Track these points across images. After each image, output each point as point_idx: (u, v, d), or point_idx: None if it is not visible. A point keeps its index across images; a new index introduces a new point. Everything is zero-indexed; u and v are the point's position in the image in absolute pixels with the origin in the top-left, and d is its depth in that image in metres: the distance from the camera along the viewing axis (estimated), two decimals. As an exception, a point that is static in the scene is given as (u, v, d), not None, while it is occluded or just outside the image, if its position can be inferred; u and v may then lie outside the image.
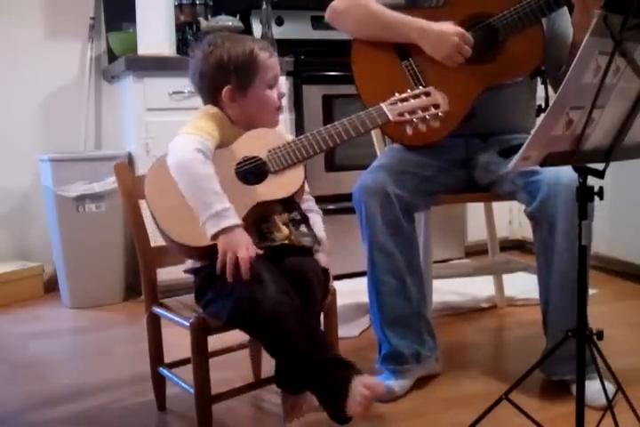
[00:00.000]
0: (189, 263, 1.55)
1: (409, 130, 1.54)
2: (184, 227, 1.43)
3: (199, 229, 1.40)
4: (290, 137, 1.62)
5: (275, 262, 1.44)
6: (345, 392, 1.33)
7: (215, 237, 1.38)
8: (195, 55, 1.57)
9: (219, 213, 1.37)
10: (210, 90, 1.56)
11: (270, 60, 1.55)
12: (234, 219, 1.39)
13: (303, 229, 1.52)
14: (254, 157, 1.50)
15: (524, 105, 1.96)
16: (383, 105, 1.54)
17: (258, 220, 1.48)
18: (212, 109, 1.54)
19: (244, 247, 1.37)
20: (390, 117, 1.53)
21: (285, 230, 1.51)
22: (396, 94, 1.55)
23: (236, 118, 1.56)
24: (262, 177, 1.49)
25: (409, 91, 1.56)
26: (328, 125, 1.52)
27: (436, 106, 1.54)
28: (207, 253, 1.43)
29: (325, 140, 1.51)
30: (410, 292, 1.81)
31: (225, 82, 1.53)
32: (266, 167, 1.49)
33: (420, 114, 1.53)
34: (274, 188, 1.49)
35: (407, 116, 1.53)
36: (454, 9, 1.82)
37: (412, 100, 1.54)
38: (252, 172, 1.49)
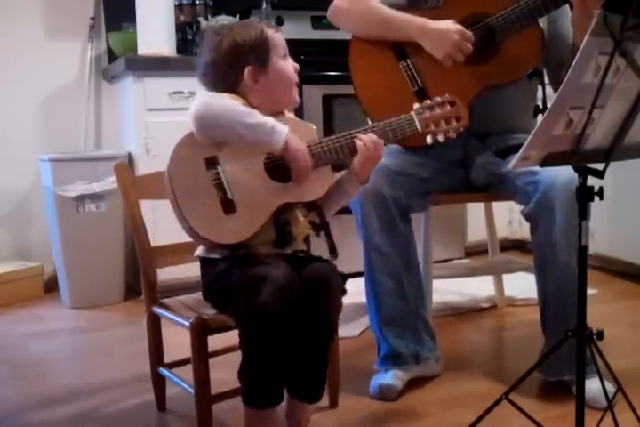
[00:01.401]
0: (202, 251, 1.50)
1: (429, 139, 1.52)
2: (205, 218, 1.40)
3: (224, 225, 1.39)
4: (311, 126, 1.57)
5: (296, 267, 1.43)
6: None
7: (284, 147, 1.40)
8: (203, 49, 1.54)
9: (273, 128, 1.39)
10: (227, 78, 1.51)
11: (277, 34, 1.54)
12: (283, 126, 1.40)
13: (321, 235, 1.51)
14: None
15: (522, 105, 1.96)
16: (414, 114, 1.51)
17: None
18: (231, 96, 1.50)
19: (305, 158, 1.42)
20: (419, 129, 1.51)
21: (304, 224, 1.49)
22: (426, 101, 1.52)
23: (258, 102, 1.50)
24: (289, 175, 1.45)
25: (435, 98, 1.53)
26: (359, 128, 1.49)
27: (458, 118, 1.52)
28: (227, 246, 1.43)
29: (355, 145, 1.47)
30: (407, 292, 1.81)
31: (245, 63, 1.49)
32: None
33: (444, 126, 1.51)
34: (302, 188, 1.45)
35: (432, 128, 1.51)
36: (452, 9, 1.82)
37: (438, 110, 1.52)
38: (282, 166, 1.45)
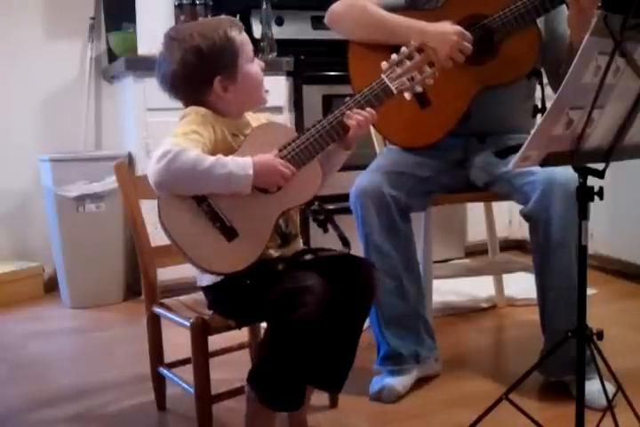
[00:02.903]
0: (207, 279, 1.50)
1: (407, 95, 1.49)
2: (212, 254, 1.38)
3: (232, 252, 1.38)
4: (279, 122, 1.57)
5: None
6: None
7: (255, 184, 1.37)
8: (163, 57, 1.46)
9: (232, 175, 1.34)
10: (194, 89, 1.45)
11: (242, 35, 1.46)
12: (244, 166, 1.35)
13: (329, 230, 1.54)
14: None
15: (522, 105, 1.96)
16: (384, 77, 1.46)
17: None
18: (196, 112, 1.43)
19: (280, 172, 1.38)
20: (394, 91, 1.46)
21: (297, 220, 1.52)
22: (392, 56, 1.48)
23: (228, 109, 1.46)
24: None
25: (402, 49, 1.48)
26: (335, 111, 1.45)
27: (431, 64, 1.47)
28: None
29: (336, 129, 1.44)
30: (407, 292, 1.81)
31: (213, 74, 1.42)
32: None
33: (418, 78, 1.47)
34: (295, 191, 1.43)
35: (407, 84, 1.47)
36: (451, 10, 1.82)
37: (408, 62, 1.47)
38: None
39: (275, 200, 1.42)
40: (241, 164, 1.36)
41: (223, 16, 1.52)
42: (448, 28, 1.76)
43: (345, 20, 1.93)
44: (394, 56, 1.48)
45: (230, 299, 1.47)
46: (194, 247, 1.37)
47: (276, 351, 1.38)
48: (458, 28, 1.76)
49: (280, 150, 1.42)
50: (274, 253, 1.47)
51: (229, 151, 1.42)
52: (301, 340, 1.35)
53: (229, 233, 1.39)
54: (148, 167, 1.35)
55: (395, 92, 1.47)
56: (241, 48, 1.45)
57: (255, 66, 1.48)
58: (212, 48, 1.42)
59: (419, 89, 1.48)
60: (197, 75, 1.43)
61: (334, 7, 1.94)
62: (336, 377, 1.53)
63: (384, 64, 1.48)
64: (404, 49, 1.49)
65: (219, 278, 1.46)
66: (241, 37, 1.46)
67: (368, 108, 1.46)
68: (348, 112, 1.45)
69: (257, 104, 1.53)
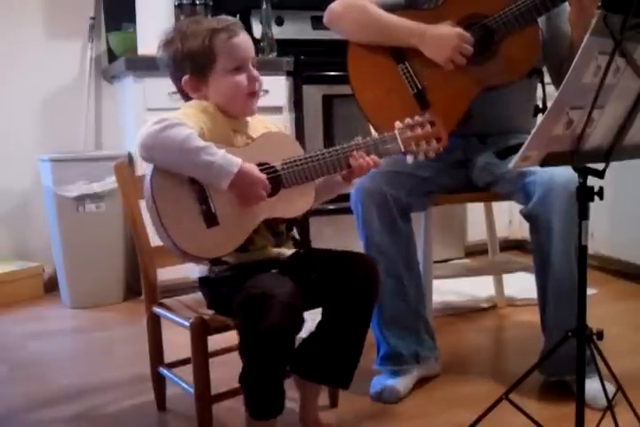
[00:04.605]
0: (201, 271, 1.51)
1: (409, 159, 1.52)
2: (187, 232, 1.37)
3: (206, 238, 1.38)
4: (291, 137, 1.60)
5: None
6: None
7: (232, 186, 1.36)
8: (159, 47, 1.52)
9: (215, 164, 1.33)
10: (177, 82, 1.51)
11: (231, 41, 1.45)
12: (231, 162, 1.35)
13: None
14: (269, 166, 1.44)
15: (522, 105, 1.96)
16: (397, 133, 1.51)
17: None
18: (200, 103, 1.48)
19: (258, 192, 1.39)
20: (402, 149, 1.51)
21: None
22: (407, 120, 1.52)
23: (220, 107, 1.48)
24: (274, 189, 1.43)
25: (416, 117, 1.53)
26: (344, 145, 1.48)
27: (439, 139, 1.52)
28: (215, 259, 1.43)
29: (340, 162, 1.47)
30: (407, 292, 1.81)
31: (183, 72, 1.48)
32: (278, 180, 1.44)
33: (424, 146, 1.51)
34: (286, 205, 1.45)
35: (413, 147, 1.51)
36: (450, 10, 1.82)
37: (419, 129, 1.52)
38: (268, 180, 1.42)
39: (264, 206, 1.43)
40: (229, 159, 1.36)
41: (224, 16, 1.53)
42: (449, 30, 1.76)
43: (344, 21, 1.92)
44: (408, 120, 1.53)
45: (224, 296, 1.46)
46: (173, 220, 1.37)
47: (246, 358, 1.37)
48: (458, 30, 1.76)
49: (284, 163, 1.45)
50: (274, 252, 1.49)
51: (229, 145, 1.44)
52: (269, 348, 1.32)
53: (210, 219, 1.39)
54: (142, 129, 1.37)
55: (402, 150, 1.51)
56: (221, 55, 1.45)
57: (237, 77, 1.46)
58: (186, 49, 1.46)
59: (421, 157, 1.52)
60: (172, 69, 1.51)
61: (333, 6, 1.94)
62: (344, 373, 1.54)
63: (398, 123, 1.52)
64: (417, 117, 1.53)
65: (205, 270, 1.48)
66: (229, 44, 1.45)
67: (372, 156, 1.49)
68: (355, 153, 1.48)
69: (238, 113, 1.51)
